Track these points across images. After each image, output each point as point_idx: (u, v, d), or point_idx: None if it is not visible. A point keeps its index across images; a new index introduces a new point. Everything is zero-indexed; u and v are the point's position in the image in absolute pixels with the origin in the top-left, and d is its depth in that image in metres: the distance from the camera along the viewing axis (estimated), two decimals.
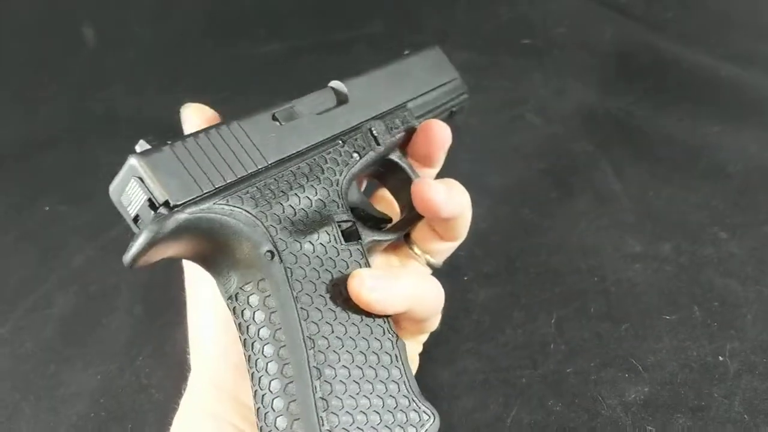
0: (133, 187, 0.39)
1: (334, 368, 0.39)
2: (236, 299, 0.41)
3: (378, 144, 0.50)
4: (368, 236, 0.46)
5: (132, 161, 0.38)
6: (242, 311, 0.40)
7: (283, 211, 0.42)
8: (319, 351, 0.39)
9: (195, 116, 0.48)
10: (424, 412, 0.41)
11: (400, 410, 0.40)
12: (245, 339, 0.40)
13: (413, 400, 0.41)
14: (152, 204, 0.38)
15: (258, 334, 0.39)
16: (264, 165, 0.43)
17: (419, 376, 0.54)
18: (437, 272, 0.53)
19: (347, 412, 0.38)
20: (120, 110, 0.83)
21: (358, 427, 0.38)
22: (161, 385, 0.56)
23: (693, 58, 0.82)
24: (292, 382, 0.38)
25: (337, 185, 0.46)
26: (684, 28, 0.86)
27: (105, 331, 0.61)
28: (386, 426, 0.39)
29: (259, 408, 0.39)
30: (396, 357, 0.41)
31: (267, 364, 0.39)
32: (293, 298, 0.40)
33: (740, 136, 0.73)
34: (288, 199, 0.43)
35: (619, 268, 0.62)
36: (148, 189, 0.38)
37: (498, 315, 0.59)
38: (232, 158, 0.42)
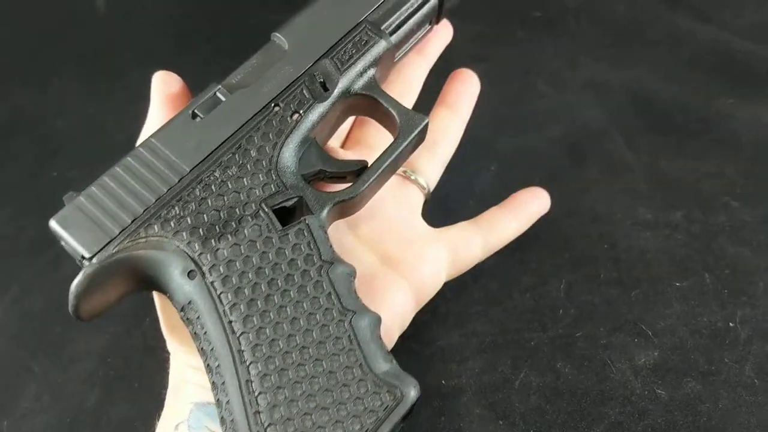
0: (66, 246, 0.41)
1: (270, 376, 0.37)
2: (184, 319, 0.40)
3: (327, 89, 0.45)
4: (327, 202, 0.43)
5: (51, 225, 0.40)
6: (189, 331, 0.40)
7: (205, 220, 0.40)
8: (252, 362, 0.37)
9: (159, 88, 0.50)
10: (388, 392, 0.37)
11: (356, 398, 0.37)
12: (199, 350, 0.40)
13: (374, 383, 0.38)
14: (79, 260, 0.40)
15: (203, 351, 0.39)
16: (181, 176, 0.41)
17: (427, 337, 0.54)
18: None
19: (287, 419, 0.36)
20: (130, 79, 0.83)
21: None
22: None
23: (706, 31, 0.81)
24: (228, 401, 0.37)
25: (270, 164, 0.42)
26: (698, 2, 0.84)
27: None
28: (337, 421, 0.37)
29: (220, 416, 0.38)
30: (349, 339, 0.38)
31: (213, 379, 0.39)
32: (220, 316, 0.38)
33: (753, 108, 0.72)
34: (210, 204, 0.41)
35: (630, 236, 0.61)
36: (69, 248, 0.40)
37: (506, 280, 0.59)
38: (145, 184, 0.41)
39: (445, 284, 0.56)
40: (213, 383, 0.38)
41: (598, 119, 0.73)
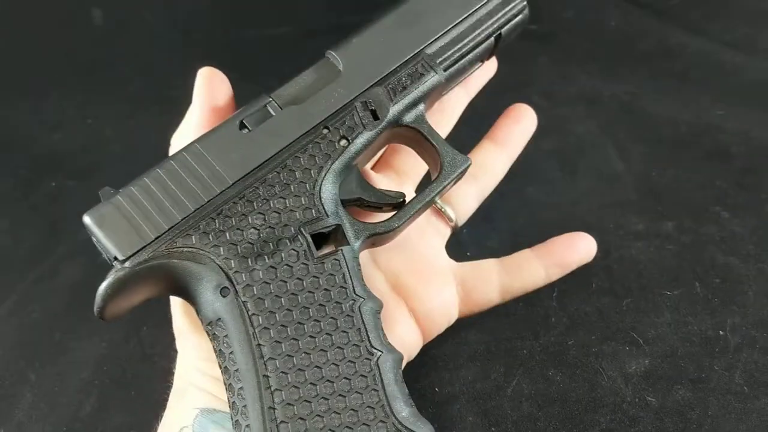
0: (97, 243, 0.40)
1: (294, 406, 0.37)
2: (209, 334, 0.40)
3: (377, 118, 0.44)
4: (363, 233, 0.43)
5: (85, 220, 0.39)
6: (214, 347, 0.40)
7: (243, 238, 0.40)
8: (277, 389, 0.37)
9: (204, 89, 0.48)
10: None
11: None
12: (221, 368, 0.40)
13: (394, 426, 0.37)
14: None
15: (225, 370, 0.39)
16: (223, 188, 0.41)
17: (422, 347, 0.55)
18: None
19: None
20: (128, 90, 0.83)
21: None
22: (165, 353, 0.56)
23: (697, 43, 0.82)
24: (249, 425, 0.37)
25: (313, 188, 0.42)
26: (688, 15, 0.85)
27: None
28: None
29: None
30: (374, 378, 0.38)
31: (233, 399, 0.38)
32: (249, 337, 0.38)
33: (744, 119, 0.73)
34: (249, 222, 0.40)
35: (622, 246, 0.62)
36: (101, 246, 0.40)
37: None
38: (186, 191, 0.40)
39: None
40: (233, 403, 0.38)
41: (590, 131, 0.74)
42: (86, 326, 0.60)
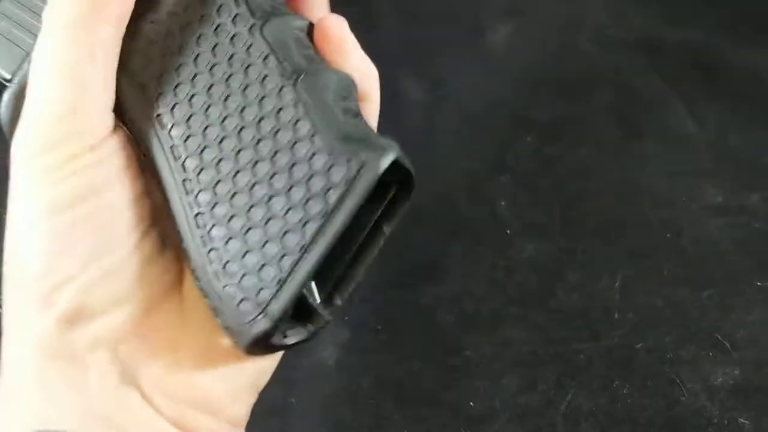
0: None
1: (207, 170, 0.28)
2: None
3: None
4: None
5: None
6: None
7: None
8: (189, 157, 0.28)
9: None
10: (349, 160, 0.27)
11: (315, 173, 0.27)
12: None
13: (333, 152, 0.27)
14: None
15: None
16: None
17: (451, 345, 0.45)
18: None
19: (229, 191, 0.28)
20: None
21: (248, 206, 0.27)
22: None
23: None
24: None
25: None
26: None
27: None
28: (291, 203, 0.27)
29: None
30: (293, 103, 0.28)
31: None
32: None
33: None
34: None
35: (698, 223, 0.52)
36: None
37: (548, 275, 0.49)
38: None
39: (473, 279, 0.48)
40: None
41: (653, 85, 0.63)
42: None
